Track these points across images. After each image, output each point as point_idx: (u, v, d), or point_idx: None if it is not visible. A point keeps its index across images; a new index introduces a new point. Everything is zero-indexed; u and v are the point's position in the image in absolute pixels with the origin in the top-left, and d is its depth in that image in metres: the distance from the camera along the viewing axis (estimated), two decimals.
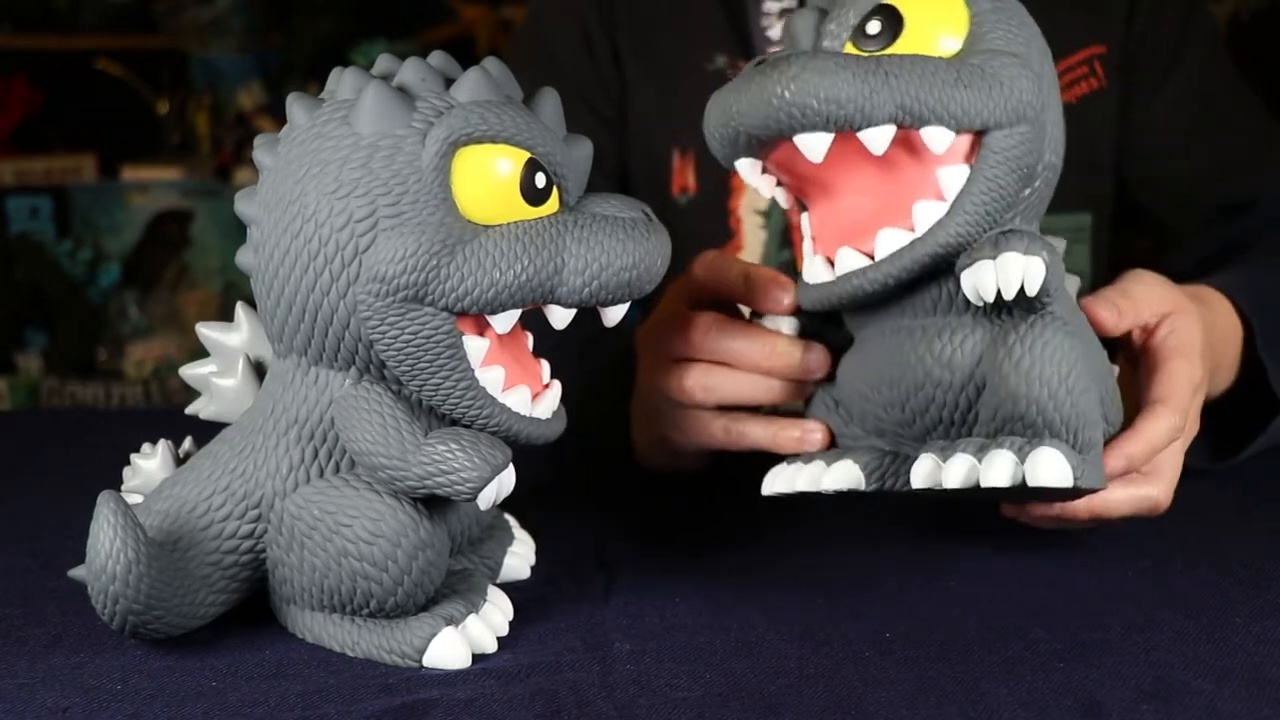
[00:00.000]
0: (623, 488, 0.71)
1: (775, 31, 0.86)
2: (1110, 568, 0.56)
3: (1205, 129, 0.87)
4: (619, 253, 0.48)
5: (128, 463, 0.54)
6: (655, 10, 0.90)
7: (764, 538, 0.60)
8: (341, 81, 0.49)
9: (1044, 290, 0.47)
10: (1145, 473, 0.55)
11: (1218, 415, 0.65)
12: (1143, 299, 0.57)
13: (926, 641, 0.50)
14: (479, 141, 0.47)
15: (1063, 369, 0.48)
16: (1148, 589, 0.55)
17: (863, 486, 0.53)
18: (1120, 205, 0.91)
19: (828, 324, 0.56)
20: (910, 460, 0.51)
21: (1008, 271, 0.47)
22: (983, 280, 0.48)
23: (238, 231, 0.49)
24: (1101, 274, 0.93)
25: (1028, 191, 0.50)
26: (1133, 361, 0.58)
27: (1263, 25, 1.75)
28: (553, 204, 0.49)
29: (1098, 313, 0.55)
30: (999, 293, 0.47)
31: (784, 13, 0.85)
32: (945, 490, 0.48)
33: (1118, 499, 0.55)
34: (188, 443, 0.55)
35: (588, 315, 0.50)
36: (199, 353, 0.55)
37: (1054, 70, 0.51)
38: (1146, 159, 0.89)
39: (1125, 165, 0.90)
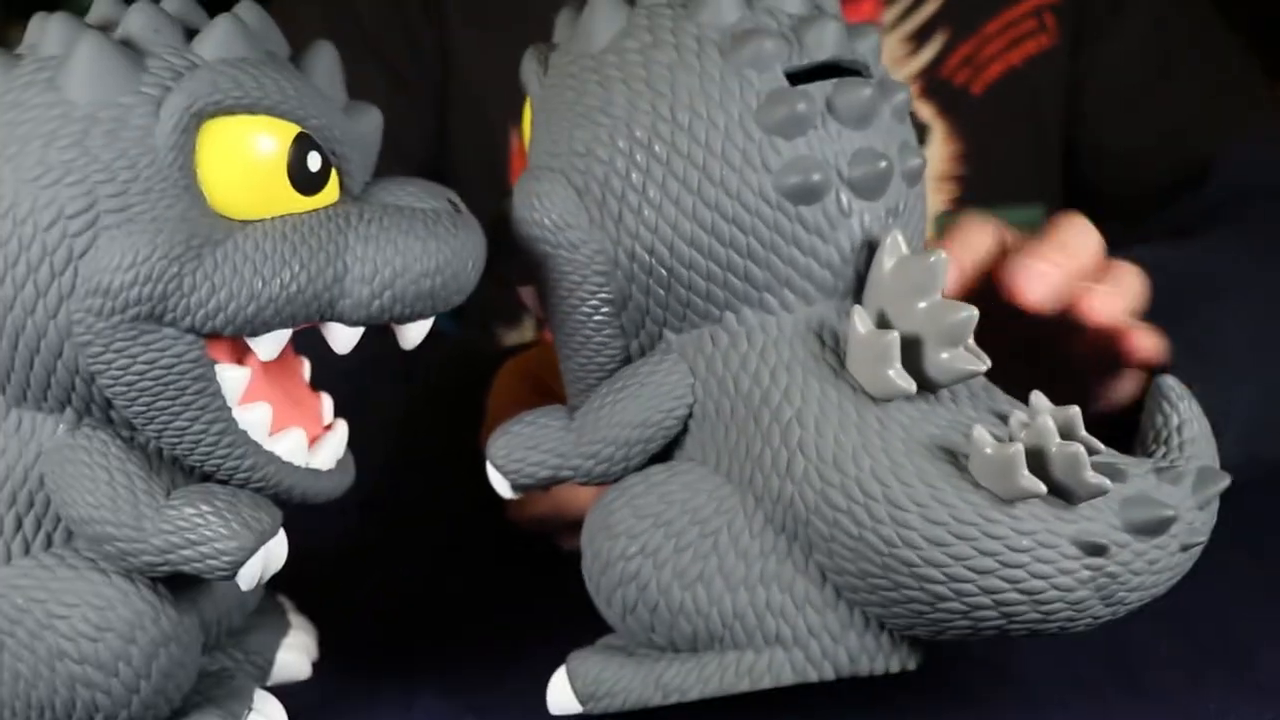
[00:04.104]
0: (432, 553, 0.71)
1: None
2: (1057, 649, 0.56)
3: (1159, 81, 0.88)
4: (418, 254, 0.47)
5: None
6: None
7: None
8: (45, 32, 0.47)
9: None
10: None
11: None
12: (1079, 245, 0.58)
13: None
14: (231, 111, 0.46)
15: (607, 550, 0.50)
16: (1101, 673, 0.55)
17: None
18: (1072, 186, 0.94)
19: None
20: None
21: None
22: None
23: None
24: None
25: None
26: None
27: None
28: (331, 192, 0.48)
29: (1016, 282, 0.55)
30: None
31: None
32: None
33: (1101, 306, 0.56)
34: None
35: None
36: None
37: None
38: (1090, 119, 0.90)
39: (1070, 128, 0.91)
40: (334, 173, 0.48)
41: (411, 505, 0.74)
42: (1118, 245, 0.60)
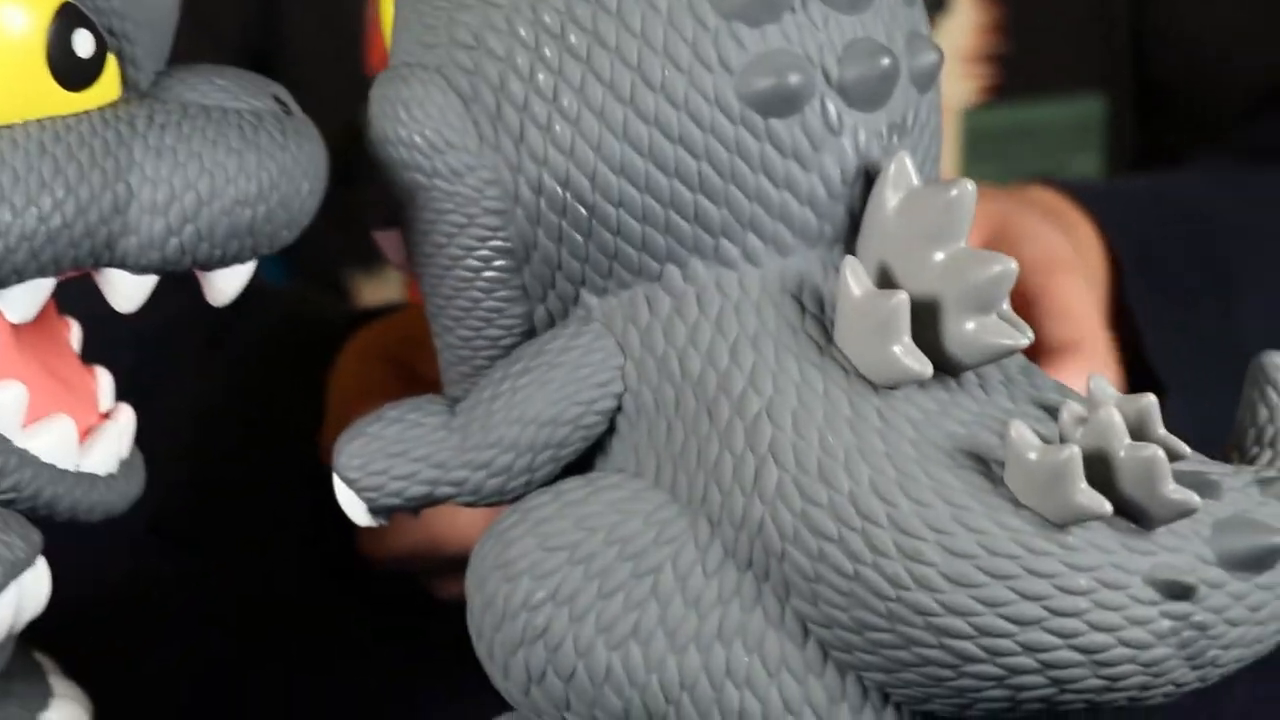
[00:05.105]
0: (254, 599, 0.72)
1: None
2: None
3: None
4: (231, 173, 0.47)
5: None
6: None
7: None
8: None
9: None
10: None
11: None
12: None
13: None
14: None
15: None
16: None
17: None
18: (1141, 77, 0.95)
19: None
20: None
21: None
22: None
23: None
24: None
25: None
26: None
27: None
28: (108, 87, 0.48)
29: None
30: None
31: None
32: None
33: None
34: None
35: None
36: None
37: None
38: (1161, 5, 0.93)
39: (1134, 12, 0.93)
40: (112, 59, 0.48)
41: (224, 529, 0.74)
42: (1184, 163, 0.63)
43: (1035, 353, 0.55)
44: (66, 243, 0.47)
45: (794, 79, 0.48)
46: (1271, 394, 0.49)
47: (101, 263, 0.48)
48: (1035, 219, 0.66)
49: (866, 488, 0.46)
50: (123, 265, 0.48)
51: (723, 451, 0.48)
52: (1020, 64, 0.92)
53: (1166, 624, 0.45)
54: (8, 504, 0.49)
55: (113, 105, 0.48)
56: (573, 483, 0.51)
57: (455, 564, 0.56)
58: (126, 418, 0.52)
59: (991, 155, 0.88)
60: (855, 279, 0.47)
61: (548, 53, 0.49)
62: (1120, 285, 0.72)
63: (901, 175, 0.48)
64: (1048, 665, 0.45)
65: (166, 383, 0.57)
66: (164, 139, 0.48)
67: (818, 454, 0.47)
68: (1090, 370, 0.53)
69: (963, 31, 0.90)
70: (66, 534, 0.51)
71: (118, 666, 0.62)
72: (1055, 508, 0.45)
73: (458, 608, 0.52)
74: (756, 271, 0.50)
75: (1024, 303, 0.61)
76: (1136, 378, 0.68)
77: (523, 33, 0.49)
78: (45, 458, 0.49)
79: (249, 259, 0.49)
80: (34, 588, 0.49)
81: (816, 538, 0.47)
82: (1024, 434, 0.45)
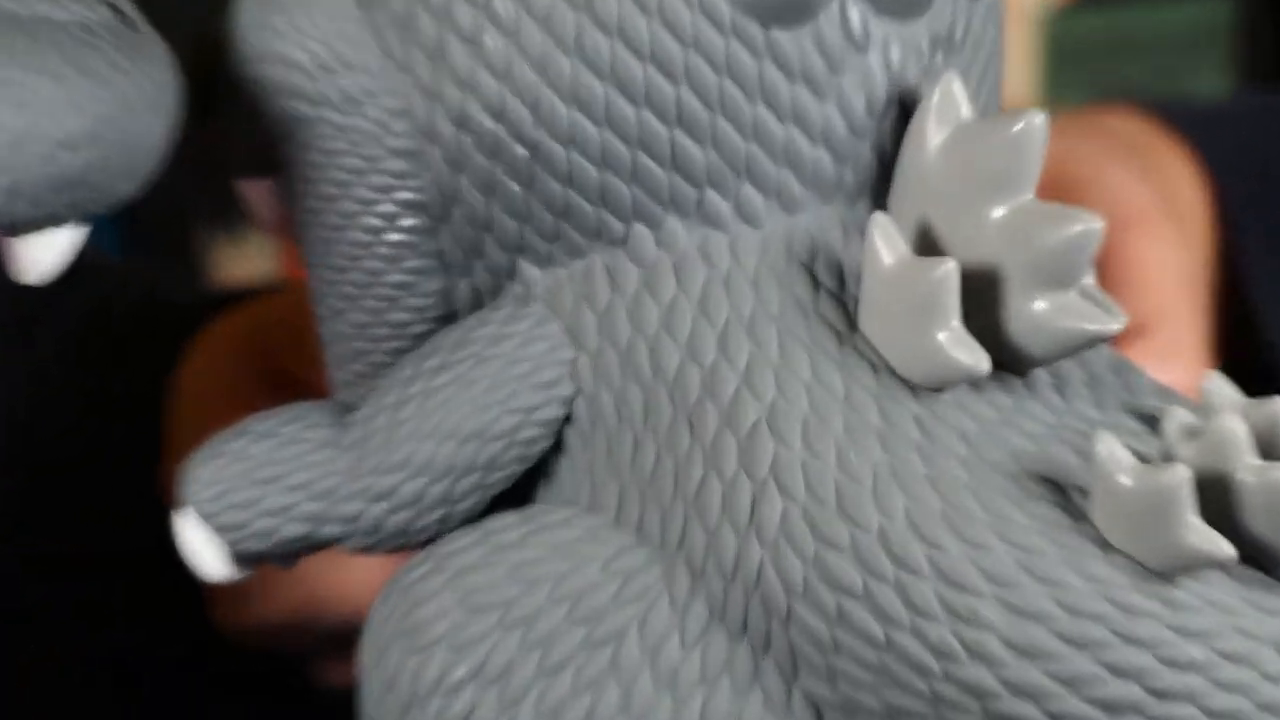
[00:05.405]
0: (82, 673, 0.70)
1: None
2: None
3: None
4: (53, 105, 0.42)
5: None
6: None
7: None
8: None
9: None
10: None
11: None
12: None
13: None
14: None
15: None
16: None
17: None
18: None
19: None
20: None
21: None
22: None
23: None
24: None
25: None
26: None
27: None
28: None
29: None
30: None
31: None
32: None
33: None
34: None
35: None
36: None
37: None
38: None
39: None
40: None
41: (63, 507, 0.69)
42: None
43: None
44: None
45: None
46: None
47: None
48: (1104, 158, 0.60)
49: (902, 524, 0.40)
50: None
51: (708, 475, 0.43)
52: None
53: None
54: None
55: None
56: (505, 520, 0.45)
57: (343, 639, 0.52)
58: None
59: (1081, 75, 0.86)
60: (887, 243, 0.42)
61: None
62: (1228, 242, 0.67)
63: (948, 105, 0.43)
64: None
65: None
66: None
67: (836, 478, 0.41)
68: (1166, 357, 0.55)
69: None
70: None
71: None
72: (1157, 551, 0.39)
73: (345, 695, 0.47)
74: (755, 234, 0.44)
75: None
76: (1249, 369, 0.62)
77: None
78: None
79: (76, 220, 0.44)
80: None
81: (834, 592, 0.41)
82: (1115, 452, 0.39)
